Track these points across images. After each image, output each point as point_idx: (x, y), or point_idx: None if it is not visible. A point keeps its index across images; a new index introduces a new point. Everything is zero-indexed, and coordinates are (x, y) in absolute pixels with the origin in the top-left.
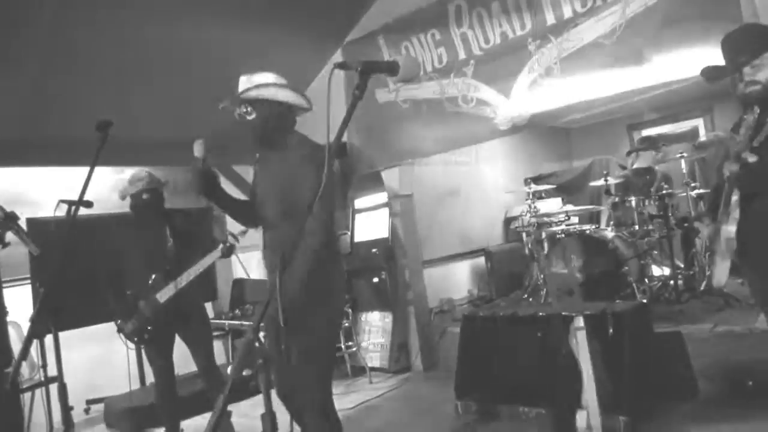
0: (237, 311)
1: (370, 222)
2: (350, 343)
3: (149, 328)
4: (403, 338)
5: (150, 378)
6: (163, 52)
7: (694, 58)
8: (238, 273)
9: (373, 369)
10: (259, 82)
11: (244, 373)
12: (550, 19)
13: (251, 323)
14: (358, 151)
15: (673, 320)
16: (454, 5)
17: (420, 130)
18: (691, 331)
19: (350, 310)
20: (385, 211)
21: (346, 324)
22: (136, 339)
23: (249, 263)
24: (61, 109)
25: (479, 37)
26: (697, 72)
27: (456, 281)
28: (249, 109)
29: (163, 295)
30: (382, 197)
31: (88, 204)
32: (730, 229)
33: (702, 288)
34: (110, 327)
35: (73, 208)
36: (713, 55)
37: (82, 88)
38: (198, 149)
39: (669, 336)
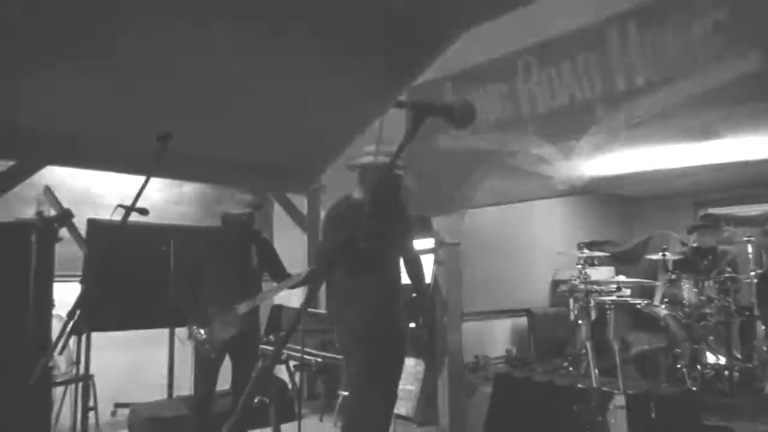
0: (271, 337)
1: None
2: None
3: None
4: (433, 389)
5: (177, 391)
6: (238, 81)
7: (765, 140)
8: (277, 299)
9: (398, 416)
10: None
11: (256, 400)
12: (622, 85)
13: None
14: (411, 193)
15: (725, 414)
16: (524, 61)
17: (476, 180)
18: (747, 430)
19: None
20: (430, 257)
21: None
22: (208, 347)
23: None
24: (139, 114)
25: (546, 94)
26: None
27: (494, 339)
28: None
29: (242, 309)
30: (428, 243)
31: (144, 211)
32: None
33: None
34: (152, 333)
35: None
36: None
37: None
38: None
39: (720, 431)
